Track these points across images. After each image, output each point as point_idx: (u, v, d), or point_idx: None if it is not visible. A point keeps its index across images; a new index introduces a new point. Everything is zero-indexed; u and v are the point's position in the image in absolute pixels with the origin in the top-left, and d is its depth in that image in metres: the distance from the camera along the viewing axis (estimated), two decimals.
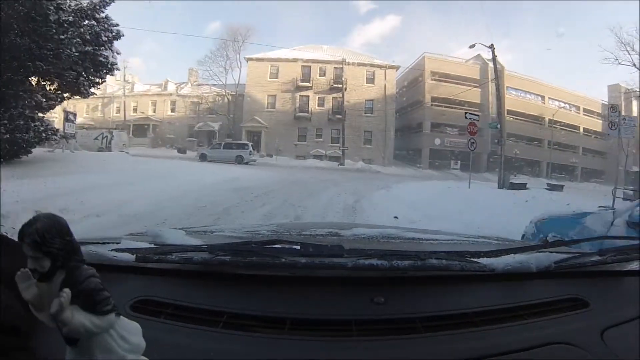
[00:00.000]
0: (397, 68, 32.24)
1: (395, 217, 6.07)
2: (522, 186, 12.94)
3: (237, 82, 32.07)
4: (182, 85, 34.51)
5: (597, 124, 36.96)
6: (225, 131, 32.04)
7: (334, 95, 31.65)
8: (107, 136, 23.46)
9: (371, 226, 1.71)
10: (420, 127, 33.98)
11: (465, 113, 14.74)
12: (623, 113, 39.45)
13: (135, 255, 0.87)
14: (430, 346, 0.67)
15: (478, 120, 13.72)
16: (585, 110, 36.24)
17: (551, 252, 0.91)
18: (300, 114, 31.81)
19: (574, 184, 22.96)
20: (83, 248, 0.57)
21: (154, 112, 34.15)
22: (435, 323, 0.72)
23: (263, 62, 31.59)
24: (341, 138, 29.40)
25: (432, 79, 33.57)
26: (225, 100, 32.37)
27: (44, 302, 0.48)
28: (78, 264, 0.50)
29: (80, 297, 0.48)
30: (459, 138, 35.54)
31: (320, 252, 0.87)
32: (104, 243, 0.97)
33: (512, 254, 0.88)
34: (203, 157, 23.05)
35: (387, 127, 32.12)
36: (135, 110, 34.44)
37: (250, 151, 23.38)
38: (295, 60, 31.64)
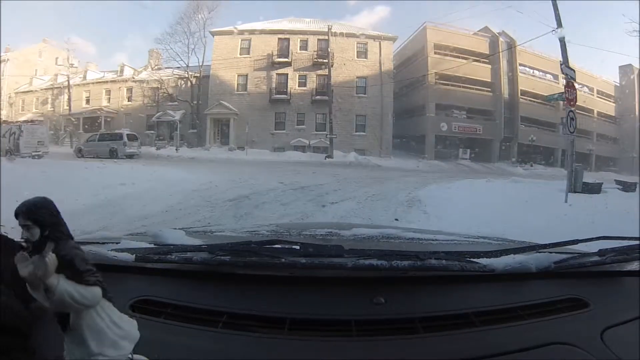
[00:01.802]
0: (394, 40, 28.63)
1: (396, 220, 5.66)
2: (597, 188, 10.05)
3: (201, 61, 28.82)
4: (140, 70, 31.25)
5: (610, 108, 34.99)
6: (188, 120, 28.78)
7: (319, 72, 27.70)
8: (14, 132, 18.42)
9: (371, 226, 1.71)
10: (423, 109, 30.25)
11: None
12: (636, 95, 35.28)
13: (135, 255, 0.88)
14: (430, 346, 0.69)
15: (575, 80, 9.90)
16: (599, 92, 34.16)
17: (551, 252, 0.94)
18: (278, 95, 27.77)
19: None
20: (83, 248, 0.62)
21: (109, 102, 31.09)
22: (435, 323, 0.74)
23: (232, 36, 27.97)
24: (328, 124, 25.59)
25: (435, 53, 29.82)
26: (189, 84, 29.15)
27: (38, 281, 0.53)
28: (65, 237, 0.55)
29: (66, 268, 0.53)
30: (468, 122, 32.39)
31: (320, 252, 0.88)
32: (103, 243, 0.99)
33: (512, 254, 0.90)
34: (79, 153, 20.50)
35: (384, 109, 28.12)
36: (88, 101, 31.56)
37: (125, 142, 19.93)
38: (270, 31, 27.94)
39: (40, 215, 0.54)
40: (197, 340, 0.70)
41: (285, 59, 26.05)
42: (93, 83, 30.80)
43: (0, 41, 30.97)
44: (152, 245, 0.98)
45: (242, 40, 26.96)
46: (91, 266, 0.55)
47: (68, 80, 28.43)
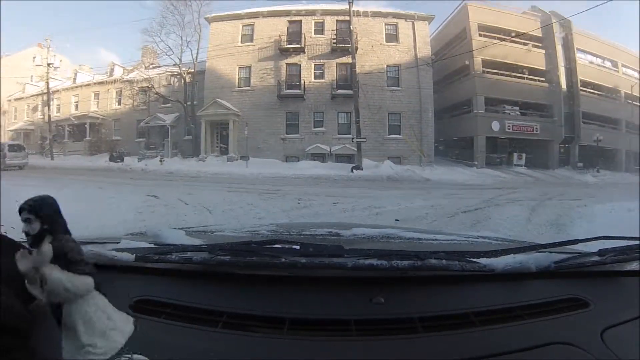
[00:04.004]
0: (429, 20, 23.75)
1: (397, 220, 5.59)
2: None
3: (195, 54, 24.63)
4: (131, 69, 27.16)
5: None
6: (182, 124, 24.78)
7: (339, 60, 22.32)
8: None
9: (371, 226, 1.73)
10: (469, 105, 25.25)
11: None
12: None
13: (135, 255, 0.91)
14: (429, 346, 0.71)
15: None
16: None
17: (551, 252, 0.96)
18: (289, 91, 22.42)
19: None
20: (83, 248, 0.67)
21: (97, 106, 28.12)
22: (435, 323, 0.76)
23: (231, 22, 23.31)
24: (354, 125, 19.81)
25: (480, 35, 24.70)
26: (182, 82, 25.05)
27: (35, 274, 0.59)
28: (62, 231, 0.62)
29: (60, 259, 0.58)
30: (523, 120, 26.13)
31: (320, 252, 0.92)
32: (103, 243, 1.02)
33: (512, 254, 0.93)
34: None
35: (423, 105, 22.33)
36: (77, 106, 28.68)
37: (5, 153, 17.88)
38: (277, 13, 22.96)
39: (41, 210, 0.59)
40: (197, 340, 0.71)
41: (297, 45, 22.23)
42: (81, 86, 28.74)
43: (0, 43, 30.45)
44: (152, 245, 1.01)
45: (243, 25, 23.19)
46: (84, 258, 0.61)
47: (47, 83, 26.33)
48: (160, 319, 0.75)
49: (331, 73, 21.97)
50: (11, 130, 30.85)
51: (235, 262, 0.85)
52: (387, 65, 21.92)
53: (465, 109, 24.94)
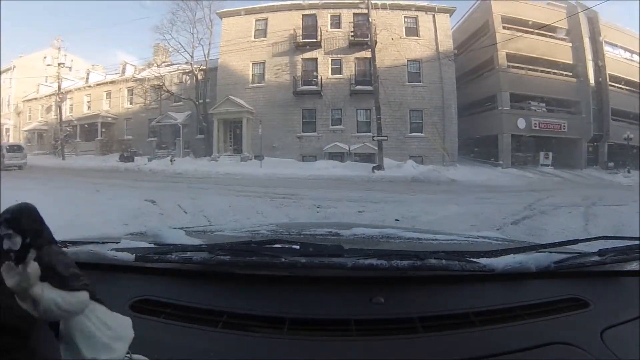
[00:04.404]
0: (451, 12, 22.48)
1: (397, 220, 5.52)
2: None
3: (207, 51, 23.57)
4: (143, 68, 26.68)
5: None
6: (194, 123, 23.64)
7: (357, 54, 21.08)
8: None
9: (371, 226, 1.71)
10: (494, 101, 24.00)
11: None
12: None
13: (134, 254, 0.91)
14: (429, 346, 0.71)
15: None
16: None
17: (551, 252, 0.96)
18: (305, 87, 21.23)
19: None
20: (83, 248, 0.68)
21: (109, 106, 27.66)
22: (435, 323, 0.76)
23: (244, 17, 22.28)
24: (375, 122, 18.57)
25: (504, 28, 23.39)
26: (194, 79, 24.03)
27: (25, 291, 0.56)
28: (48, 243, 0.54)
29: (50, 275, 0.52)
30: (550, 117, 24.19)
31: (320, 251, 0.91)
32: (103, 243, 1.01)
33: (512, 254, 0.93)
34: None
35: (446, 101, 21.05)
36: (89, 106, 28.21)
37: (3, 154, 18.27)
38: (291, 7, 21.87)
39: (21, 222, 0.52)
40: (197, 340, 0.71)
41: (313, 40, 21.32)
42: (93, 86, 28.58)
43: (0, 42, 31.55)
44: (152, 245, 1.00)
45: (256, 20, 22.35)
46: (76, 270, 0.55)
47: (58, 82, 25.90)
48: (160, 318, 0.75)
49: (349, 68, 21.17)
50: (25, 131, 31.78)
51: (235, 262, 0.85)
52: (407, 60, 21.00)
53: (489, 106, 24.06)
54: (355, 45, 20.77)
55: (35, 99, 32.21)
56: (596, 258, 0.90)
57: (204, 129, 22.52)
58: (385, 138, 17.76)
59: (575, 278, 0.92)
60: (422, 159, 19.60)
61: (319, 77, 21.10)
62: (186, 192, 9.69)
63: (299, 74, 21.39)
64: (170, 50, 24.06)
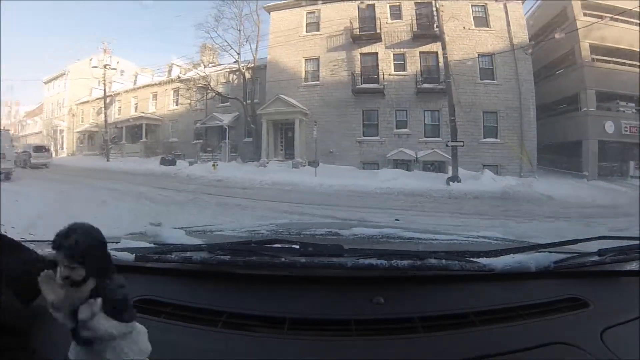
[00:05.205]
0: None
1: (397, 220, 5.70)
2: None
3: (255, 48, 21.99)
4: (189, 68, 25.93)
5: None
6: (241, 125, 21.79)
7: (422, 48, 18.48)
8: None
9: (371, 226, 1.67)
10: (576, 101, 20.10)
11: None
12: None
13: (134, 254, 0.92)
14: (429, 346, 0.72)
15: None
16: None
17: (550, 252, 0.96)
18: (365, 85, 18.84)
19: None
20: None
21: (155, 107, 27.25)
22: (435, 323, 0.77)
23: (294, 10, 20.17)
24: (450, 125, 15.60)
25: (585, 15, 19.51)
26: (241, 78, 22.28)
27: (67, 303, 0.55)
28: (111, 274, 0.57)
29: (108, 305, 0.54)
30: None
31: (320, 251, 0.92)
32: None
33: (512, 254, 0.93)
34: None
35: (524, 102, 17.88)
36: (136, 108, 28.06)
37: (30, 153, 20.83)
38: None
39: (89, 255, 0.52)
40: (197, 340, 0.71)
41: (372, 32, 19.29)
42: (140, 88, 28.81)
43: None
44: (152, 245, 1.02)
45: (307, 13, 20.63)
46: (130, 302, 0.57)
47: (104, 84, 26.44)
48: (160, 318, 0.76)
49: (414, 64, 19.11)
50: (77, 132, 34.13)
51: (235, 261, 0.87)
52: (478, 54, 18.65)
53: (570, 107, 21.12)
54: (419, 37, 18.91)
55: (88, 101, 34.37)
56: (596, 258, 0.91)
57: (252, 131, 21.29)
58: (462, 144, 15.63)
59: (575, 278, 0.92)
60: (496, 168, 17.41)
61: (381, 74, 19.16)
62: (217, 209, 8.38)
63: (358, 70, 19.64)
64: (216, 48, 23.47)
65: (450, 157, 15.83)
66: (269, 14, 21.70)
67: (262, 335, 0.71)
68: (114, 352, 0.52)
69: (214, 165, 18.19)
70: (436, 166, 17.38)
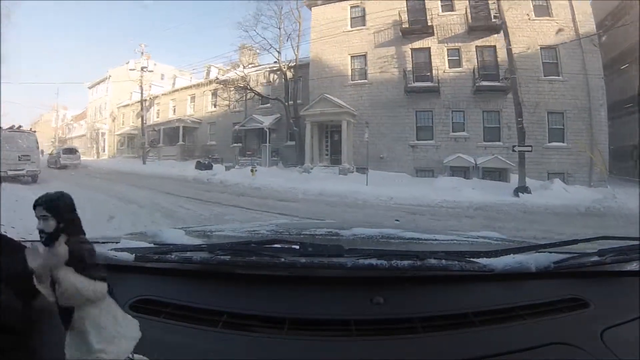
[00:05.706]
0: None
1: (397, 220, 5.68)
2: None
3: (296, 45, 21.02)
4: (227, 69, 24.95)
5: None
6: (283, 127, 20.76)
7: (479, 42, 16.59)
8: None
9: (371, 226, 1.66)
10: None
11: None
12: None
13: (134, 254, 0.93)
14: (429, 346, 0.72)
15: None
16: None
17: (550, 252, 0.97)
18: (418, 83, 17.12)
19: None
20: None
21: (193, 110, 27.04)
22: (435, 323, 0.78)
23: (336, 4, 18.82)
24: (517, 128, 13.22)
25: None
26: (282, 78, 21.31)
27: (46, 273, 0.59)
28: (78, 233, 0.61)
29: (75, 261, 0.58)
30: None
31: (320, 251, 0.92)
32: (103, 242, 1.03)
33: (512, 254, 0.94)
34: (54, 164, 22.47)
35: (593, 101, 15.66)
36: (174, 110, 28.28)
37: (60, 154, 22.04)
38: None
39: (58, 208, 0.58)
40: (197, 340, 0.72)
41: (423, 25, 17.60)
42: (178, 90, 28.88)
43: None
44: (151, 245, 1.02)
45: (351, 7, 19.29)
46: (99, 261, 0.61)
47: (141, 87, 26.43)
48: (160, 318, 0.77)
49: (470, 59, 17.33)
50: (118, 135, 36.04)
51: (235, 262, 0.87)
52: (540, 47, 16.63)
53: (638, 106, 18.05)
54: (474, 30, 17.11)
55: (128, 105, 36.21)
56: (596, 258, 0.91)
57: (295, 134, 20.26)
58: (530, 149, 13.34)
59: (575, 278, 0.93)
60: (563, 176, 15.32)
61: (435, 71, 17.42)
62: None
63: (410, 67, 18.01)
64: (256, 47, 22.09)
65: (513, 164, 14.29)
66: (310, 10, 20.74)
67: (262, 336, 0.71)
68: (93, 324, 0.55)
69: (252, 170, 16.81)
70: (497, 174, 15.44)
